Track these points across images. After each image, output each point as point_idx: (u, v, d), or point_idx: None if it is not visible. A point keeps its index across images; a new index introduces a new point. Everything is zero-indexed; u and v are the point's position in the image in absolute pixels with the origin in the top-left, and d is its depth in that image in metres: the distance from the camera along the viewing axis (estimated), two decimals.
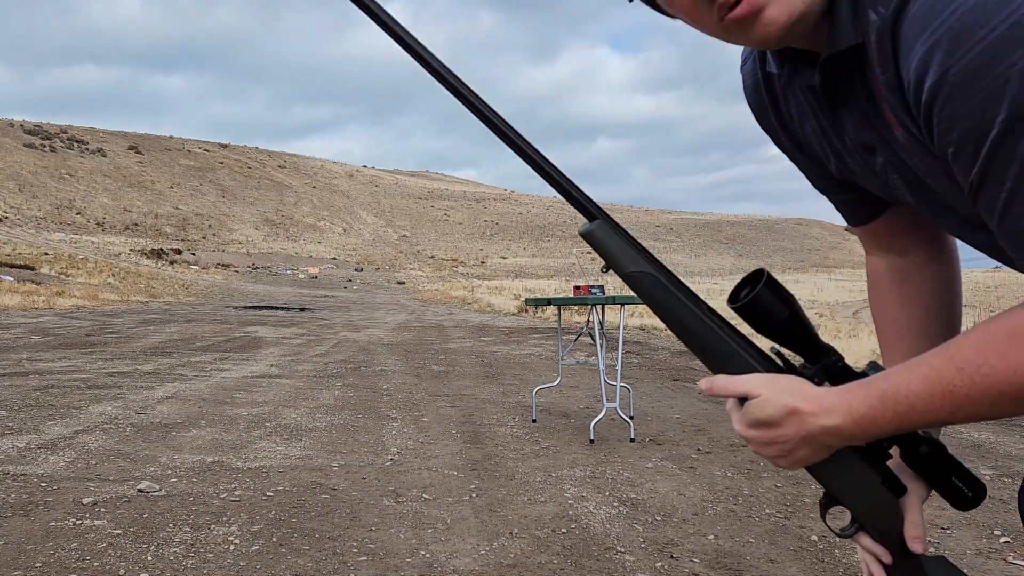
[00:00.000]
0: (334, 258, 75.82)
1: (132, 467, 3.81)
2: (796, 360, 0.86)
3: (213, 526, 2.98)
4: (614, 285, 6.86)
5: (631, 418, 4.92)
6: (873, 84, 0.74)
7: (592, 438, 4.60)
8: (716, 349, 0.85)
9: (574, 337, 6.61)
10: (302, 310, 21.68)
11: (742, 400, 0.83)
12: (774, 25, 0.72)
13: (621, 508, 3.32)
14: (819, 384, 0.83)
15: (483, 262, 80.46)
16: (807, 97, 0.86)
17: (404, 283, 52.52)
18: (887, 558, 0.86)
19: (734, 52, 0.97)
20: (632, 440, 4.65)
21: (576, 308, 9.12)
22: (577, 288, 4.96)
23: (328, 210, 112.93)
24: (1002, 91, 0.61)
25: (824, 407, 0.78)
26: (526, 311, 19.91)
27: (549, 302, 5.09)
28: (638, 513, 3.26)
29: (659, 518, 3.20)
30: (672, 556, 2.77)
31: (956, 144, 0.66)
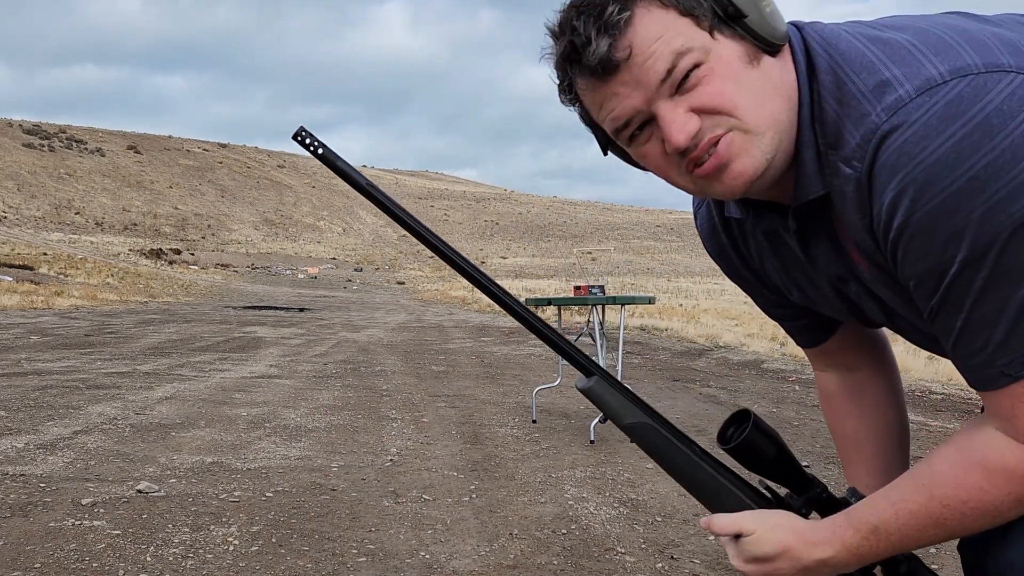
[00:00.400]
0: (333, 258, 75.80)
1: (131, 468, 3.80)
2: (783, 490, 0.93)
3: (212, 527, 2.97)
4: (615, 284, 6.83)
5: None
6: (837, 227, 0.83)
7: (592, 439, 4.60)
8: (710, 488, 0.92)
9: (574, 337, 6.60)
10: (301, 310, 21.66)
11: (737, 535, 0.90)
12: (741, 178, 0.79)
13: (621, 509, 3.32)
14: (806, 515, 0.90)
15: (483, 262, 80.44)
16: (765, 238, 0.95)
17: (404, 283, 52.50)
18: None
19: None
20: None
21: (576, 308, 9.11)
22: (577, 288, 4.96)
23: (328, 210, 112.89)
24: (961, 235, 0.69)
25: (814, 541, 0.85)
26: None
27: (549, 302, 5.08)
28: (638, 514, 3.26)
29: (659, 519, 3.20)
30: (672, 557, 2.77)
31: (919, 277, 0.75)
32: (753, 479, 0.94)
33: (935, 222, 0.70)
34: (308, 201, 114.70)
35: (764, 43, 0.77)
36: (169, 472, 3.73)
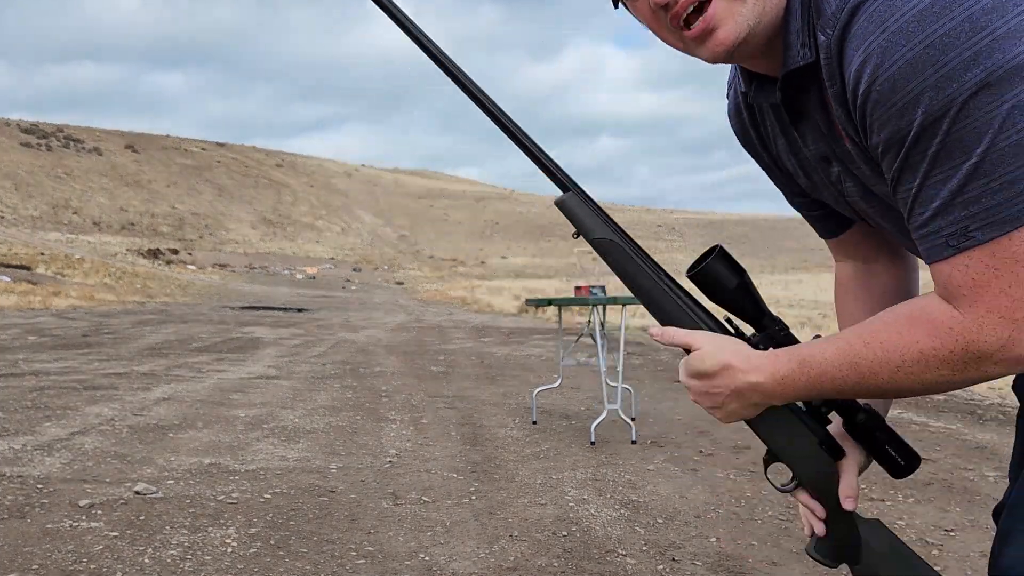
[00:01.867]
0: (332, 258, 75.76)
1: (129, 469, 3.78)
2: (749, 330, 0.94)
3: (210, 528, 2.95)
4: (616, 285, 6.81)
5: (632, 420, 4.89)
6: (826, 99, 0.85)
7: (593, 440, 4.58)
8: (670, 311, 0.93)
9: (575, 338, 6.58)
10: (300, 310, 21.63)
11: (687, 349, 0.92)
12: (723, 45, 0.83)
13: (622, 511, 3.30)
14: (764, 350, 0.91)
15: (483, 262, 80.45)
16: (776, 116, 0.98)
17: (403, 283, 52.47)
18: (821, 513, 0.95)
19: None
20: (634, 442, 4.62)
21: (577, 308, 9.08)
22: (578, 288, 4.94)
23: (326, 209, 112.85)
24: (917, 101, 0.72)
25: (753, 366, 0.88)
26: (526, 311, 19.86)
27: (550, 302, 5.06)
28: (639, 515, 3.24)
29: (661, 520, 3.18)
30: (674, 559, 2.75)
31: (883, 144, 0.77)
32: (720, 316, 0.95)
33: (893, 89, 0.72)
34: (306, 200, 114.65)
35: None
36: (167, 473, 3.71)
